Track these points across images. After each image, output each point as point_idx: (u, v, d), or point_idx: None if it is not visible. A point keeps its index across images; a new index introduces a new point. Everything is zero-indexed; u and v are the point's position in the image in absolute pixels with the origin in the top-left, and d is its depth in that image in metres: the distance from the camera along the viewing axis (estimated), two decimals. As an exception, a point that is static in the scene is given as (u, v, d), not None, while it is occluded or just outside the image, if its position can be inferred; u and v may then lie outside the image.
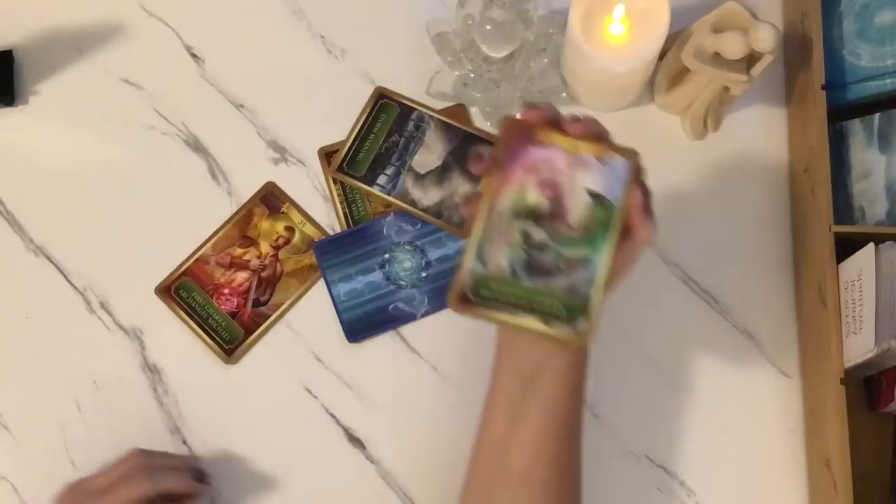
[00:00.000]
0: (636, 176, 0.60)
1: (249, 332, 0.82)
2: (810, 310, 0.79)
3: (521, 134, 0.61)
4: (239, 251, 0.84)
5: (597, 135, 0.61)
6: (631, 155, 0.60)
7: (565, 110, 0.84)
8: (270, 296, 0.83)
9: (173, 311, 0.82)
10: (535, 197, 0.60)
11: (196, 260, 0.84)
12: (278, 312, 0.82)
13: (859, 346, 0.72)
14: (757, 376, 0.80)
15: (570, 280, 0.59)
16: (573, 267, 0.59)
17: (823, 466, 0.74)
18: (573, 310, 0.58)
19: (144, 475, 0.69)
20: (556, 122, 0.62)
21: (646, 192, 0.61)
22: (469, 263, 0.59)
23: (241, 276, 0.83)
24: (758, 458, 0.79)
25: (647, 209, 0.61)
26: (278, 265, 0.84)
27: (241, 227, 0.85)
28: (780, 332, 0.81)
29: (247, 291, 0.83)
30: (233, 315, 0.82)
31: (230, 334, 0.82)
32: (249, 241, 0.84)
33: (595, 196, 0.60)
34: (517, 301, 0.58)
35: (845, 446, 0.70)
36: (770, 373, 0.81)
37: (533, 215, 0.60)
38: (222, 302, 0.83)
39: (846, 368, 0.73)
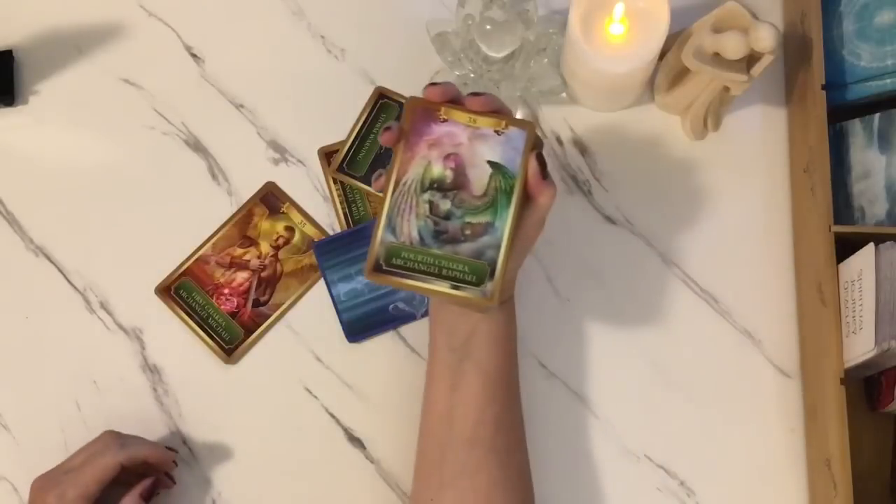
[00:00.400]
0: (532, 145, 0.64)
1: (249, 332, 0.82)
2: (810, 310, 0.79)
3: (424, 112, 0.65)
4: (239, 251, 0.84)
5: (494, 109, 0.65)
6: (526, 126, 0.64)
7: (565, 110, 0.86)
8: (270, 296, 0.83)
9: (173, 311, 0.82)
10: (439, 169, 0.64)
11: (196, 260, 0.84)
12: (278, 312, 0.82)
13: (859, 346, 0.72)
14: (757, 376, 0.80)
15: (476, 245, 0.63)
16: (478, 233, 0.63)
17: (823, 466, 0.73)
18: (481, 273, 0.62)
19: (116, 444, 0.72)
20: (456, 100, 0.65)
21: (541, 160, 0.64)
22: (381, 234, 0.63)
23: (241, 276, 0.83)
24: (758, 458, 0.79)
25: (544, 175, 0.64)
26: (278, 265, 0.84)
27: (241, 227, 0.85)
28: (780, 332, 0.81)
29: (247, 291, 0.83)
30: (233, 315, 0.82)
31: (230, 334, 0.82)
32: (249, 241, 0.84)
33: (495, 166, 0.64)
34: (427, 268, 0.62)
35: (845, 446, 0.70)
36: (770, 373, 0.81)
37: (438, 186, 0.63)
38: (222, 302, 0.83)
39: (846, 368, 0.73)
